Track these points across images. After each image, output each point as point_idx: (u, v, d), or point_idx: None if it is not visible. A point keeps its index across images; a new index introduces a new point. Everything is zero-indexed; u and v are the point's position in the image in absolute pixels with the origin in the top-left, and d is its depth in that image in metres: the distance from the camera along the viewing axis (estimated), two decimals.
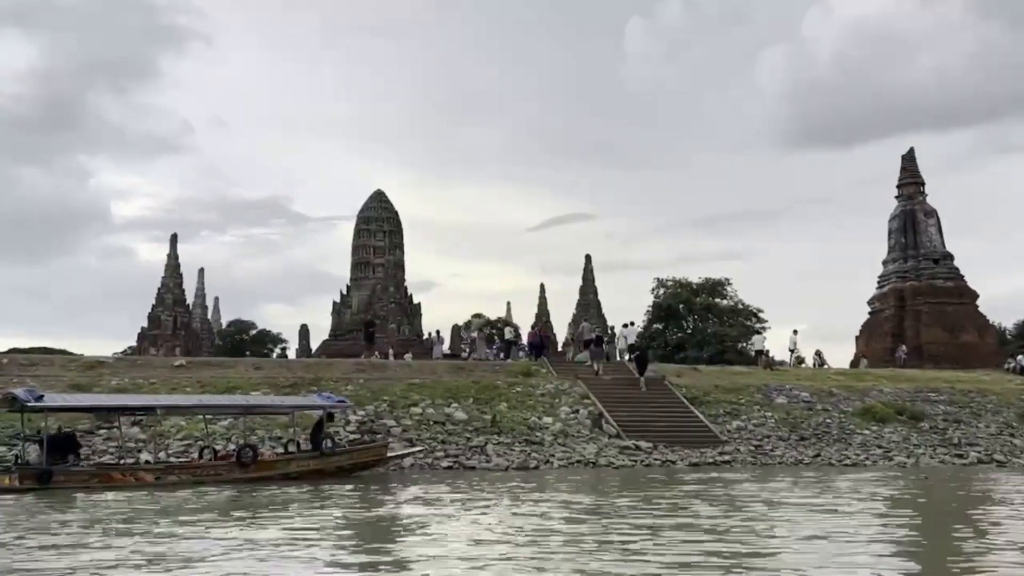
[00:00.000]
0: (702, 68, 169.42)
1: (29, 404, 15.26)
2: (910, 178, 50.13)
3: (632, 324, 31.23)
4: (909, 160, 50.80)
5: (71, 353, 43.30)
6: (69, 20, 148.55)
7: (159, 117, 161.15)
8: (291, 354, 74.14)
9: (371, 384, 23.15)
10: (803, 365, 33.67)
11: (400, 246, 73.15)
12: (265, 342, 78.44)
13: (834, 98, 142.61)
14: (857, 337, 50.18)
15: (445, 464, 18.71)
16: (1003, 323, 63.96)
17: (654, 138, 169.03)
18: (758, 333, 31.69)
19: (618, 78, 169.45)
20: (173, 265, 64.21)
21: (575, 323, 69.10)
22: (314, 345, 72.80)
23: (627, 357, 28.36)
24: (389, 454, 17.98)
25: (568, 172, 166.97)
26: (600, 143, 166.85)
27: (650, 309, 59.84)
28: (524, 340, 39.01)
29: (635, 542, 8.39)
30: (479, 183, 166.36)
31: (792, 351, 34.59)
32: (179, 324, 62.80)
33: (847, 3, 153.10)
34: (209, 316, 79.62)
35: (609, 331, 35.75)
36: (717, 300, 58.90)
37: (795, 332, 34.73)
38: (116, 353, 50.19)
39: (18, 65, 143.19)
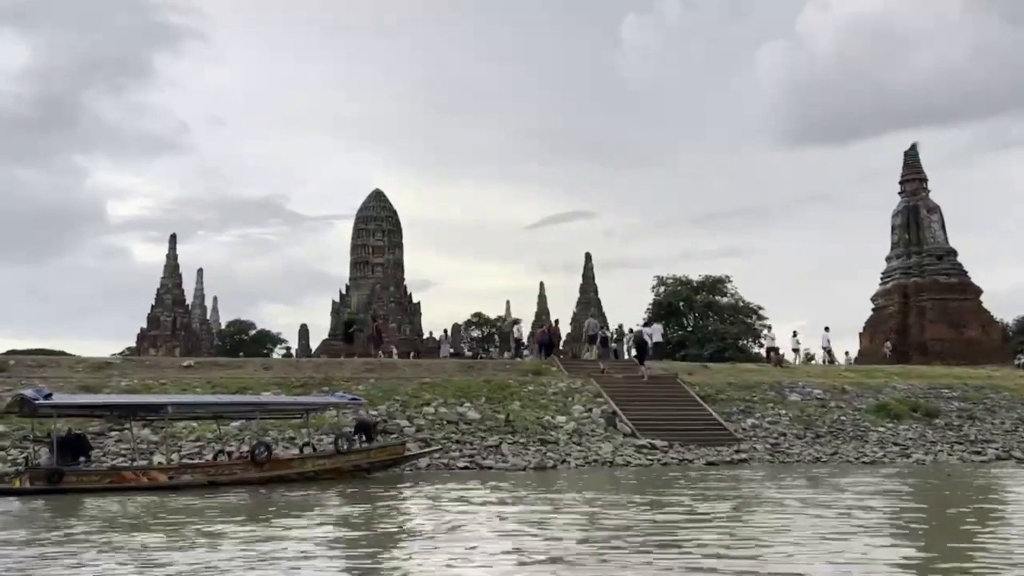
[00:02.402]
0: (700, 65, 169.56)
1: (38, 402, 14.99)
2: (913, 174, 50.06)
3: (660, 323, 31.47)
4: (912, 156, 50.72)
5: (69, 354, 42.91)
6: (65, 19, 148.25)
7: (156, 116, 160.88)
8: (290, 354, 73.79)
9: (382, 384, 22.92)
10: (812, 362, 33.59)
11: (399, 245, 73.05)
12: (265, 342, 78.10)
13: (833, 95, 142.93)
14: (861, 334, 50.12)
15: (461, 464, 18.45)
16: (1004, 319, 63.96)
17: (652, 135, 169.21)
18: (769, 329, 31.68)
19: (616, 76, 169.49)
20: (172, 265, 63.78)
21: (574, 321, 69.02)
22: (313, 345, 72.59)
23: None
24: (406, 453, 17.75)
25: (567, 170, 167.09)
26: (598, 141, 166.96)
27: (651, 307, 59.84)
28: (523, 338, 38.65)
29: (667, 542, 8.17)
30: (477, 181, 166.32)
31: (826, 348, 35.38)
32: (179, 324, 62.40)
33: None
34: (208, 316, 79.22)
35: (617, 329, 35.27)
36: (717, 298, 58.91)
37: (827, 329, 35.51)
38: (115, 354, 49.80)
39: (14, 64, 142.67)
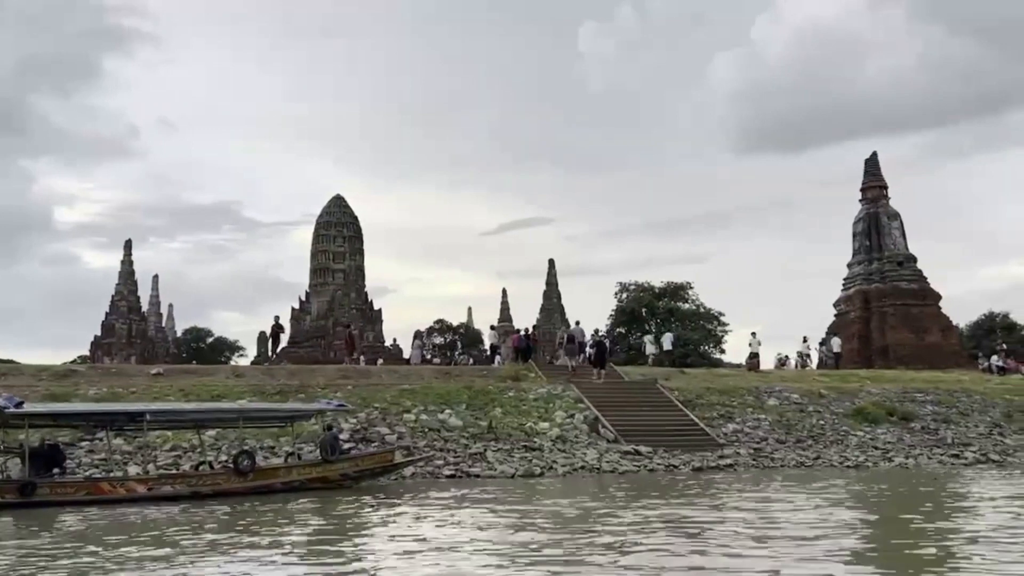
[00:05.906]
0: (659, 72, 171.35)
1: (9, 411, 14.25)
2: (873, 181, 50.73)
3: (670, 332, 32.11)
4: (872, 164, 51.41)
5: (17, 363, 41.36)
6: (9, 20, 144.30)
7: (105, 120, 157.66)
8: (245, 361, 72.46)
9: (360, 391, 22.41)
10: (784, 367, 33.81)
11: (360, 251, 72.19)
12: (223, 350, 76.57)
13: (789, 102, 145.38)
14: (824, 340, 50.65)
15: (447, 472, 18.07)
16: (958, 323, 65.12)
17: (612, 142, 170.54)
18: (754, 335, 31.71)
19: (576, 82, 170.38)
20: (127, 272, 62.12)
21: (538, 328, 68.92)
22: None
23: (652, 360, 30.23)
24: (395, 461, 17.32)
25: (527, 176, 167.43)
26: (558, 147, 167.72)
27: (613, 313, 60.04)
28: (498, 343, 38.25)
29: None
30: (437, 188, 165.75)
31: (837, 354, 36.60)
32: (135, 332, 60.84)
33: (797, 9, 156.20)
34: (164, 324, 77.45)
35: (593, 333, 35.20)
36: (679, 304, 59.33)
37: (835, 334, 36.47)
38: (67, 363, 48.12)
39: None
